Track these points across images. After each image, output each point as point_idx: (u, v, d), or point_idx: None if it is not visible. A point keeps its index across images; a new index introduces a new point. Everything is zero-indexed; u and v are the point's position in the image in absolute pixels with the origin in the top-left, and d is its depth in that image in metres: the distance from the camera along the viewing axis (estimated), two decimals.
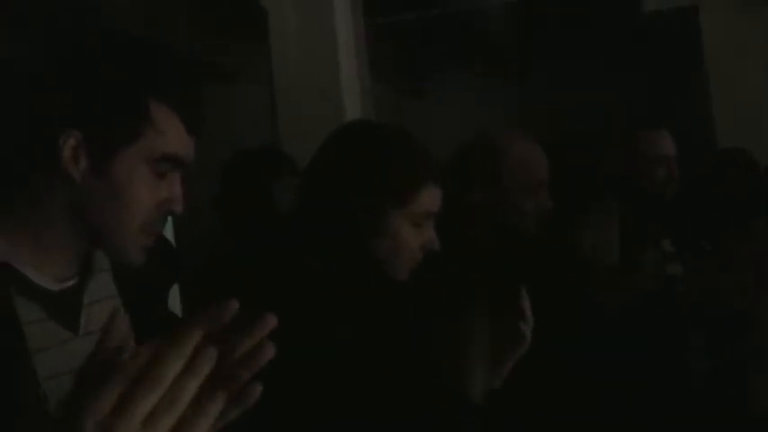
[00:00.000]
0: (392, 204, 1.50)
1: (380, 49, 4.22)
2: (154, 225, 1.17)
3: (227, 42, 4.12)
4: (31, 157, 1.12)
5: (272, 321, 0.78)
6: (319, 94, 3.45)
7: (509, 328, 1.50)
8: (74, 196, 1.11)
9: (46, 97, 1.10)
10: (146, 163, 1.12)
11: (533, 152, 2.14)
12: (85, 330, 1.17)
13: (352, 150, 1.55)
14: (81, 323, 1.17)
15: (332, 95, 3.47)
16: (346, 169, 1.51)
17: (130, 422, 0.68)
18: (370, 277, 1.51)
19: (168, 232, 2.98)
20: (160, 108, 1.12)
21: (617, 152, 2.78)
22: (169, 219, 1.25)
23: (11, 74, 1.14)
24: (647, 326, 2.07)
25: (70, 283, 1.17)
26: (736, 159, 2.72)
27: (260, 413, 1.12)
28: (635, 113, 4.63)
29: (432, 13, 4.53)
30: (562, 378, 1.77)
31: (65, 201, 1.12)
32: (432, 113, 5.71)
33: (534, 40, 5.69)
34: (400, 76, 5.89)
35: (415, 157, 1.54)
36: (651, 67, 5.43)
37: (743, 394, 2.40)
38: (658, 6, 4.06)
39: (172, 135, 1.14)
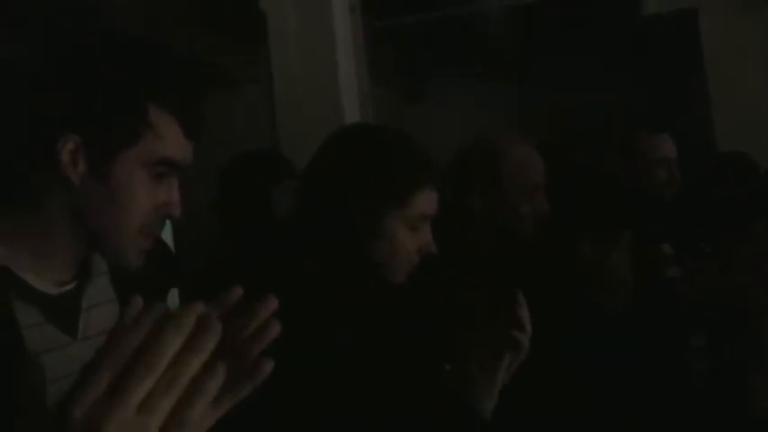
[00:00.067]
0: (389, 207, 1.50)
1: (380, 52, 4.21)
2: (152, 228, 1.17)
3: (226, 45, 4.12)
4: (29, 160, 1.12)
5: (273, 303, 0.78)
6: (318, 96, 3.45)
7: (504, 337, 1.49)
8: (72, 200, 1.11)
9: (44, 100, 1.10)
10: (144, 166, 1.12)
11: (530, 156, 2.15)
12: (84, 335, 1.17)
13: (349, 153, 1.55)
14: (79, 327, 1.17)
15: (331, 98, 3.47)
16: (344, 172, 1.51)
17: (123, 409, 0.64)
18: (369, 280, 1.51)
19: (167, 235, 2.98)
20: (159, 112, 1.12)
21: (617, 154, 2.78)
22: (168, 222, 1.25)
23: (10, 75, 1.14)
24: (647, 326, 2.07)
25: (69, 287, 1.17)
26: (736, 161, 2.72)
27: (260, 415, 1.12)
28: (635, 116, 4.63)
29: (431, 16, 4.52)
30: (562, 378, 1.77)
31: (64, 204, 1.12)
32: (431, 116, 5.71)
33: (534, 43, 5.69)
34: (400, 78, 5.89)
35: (412, 159, 1.54)
36: (651, 69, 5.43)
37: (743, 394, 2.40)
38: (658, 9, 4.05)
39: (170, 139, 1.14)
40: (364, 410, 1.35)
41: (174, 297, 2.43)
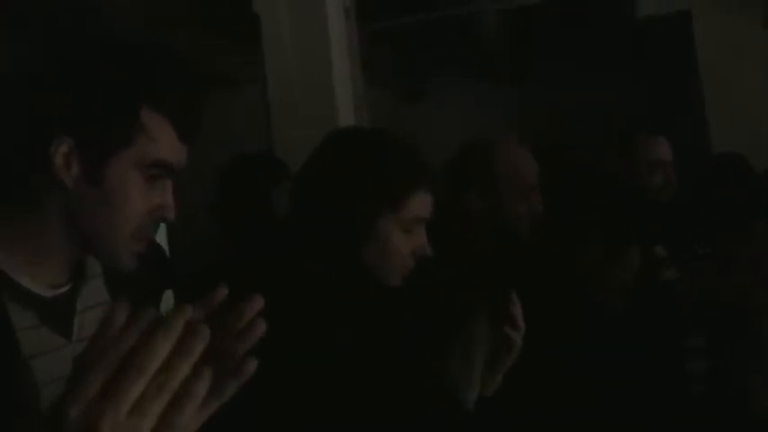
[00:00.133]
0: (383, 210, 1.49)
1: (376, 53, 4.22)
2: (145, 231, 1.17)
3: (226, 45, 4.13)
4: (24, 163, 1.11)
5: (258, 303, 0.77)
6: (313, 99, 3.45)
7: (499, 334, 1.49)
8: (66, 202, 1.11)
9: (39, 102, 1.10)
10: (137, 169, 1.12)
11: (524, 157, 2.17)
12: (79, 337, 1.17)
13: (343, 156, 1.54)
14: (74, 329, 1.17)
15: (325, 100, 3.47)
16: (338, 175, 1.51)
17: (116, 411, 0.65)
18: (367, 281, 1.50)
19: (162, 238, 2.98)
20: (152, 115, 1.12)
21: (615, 155, 2.78)
22: (163, 225, 1.24)
23: (8, 75, 1.14)
24: (647, 326, 2.07)
25: (63, 289, 1.17)
26: (735, 162, 2.73)
27: (260, 414, 1.11)
28: (632, 117, 4.65)
29: (428, 17, 4.53)
30: (562, 378, 1.77)
31: (58, 207, 1.12)
32: (430, 117, 5.72)
33: (531, 45, 5.71)
34: (398, 79, 5.91)
35: (407, 162, 1.54)
36: (647, 71, 5.45)
37: (743, 394, 2.39)
38: (652, 12, 4.07)
39: (164, 142, 1.14)
40: (364, 410, 1.35)
41: (168, 299, 2.43)
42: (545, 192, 2.12)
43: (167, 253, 2.99)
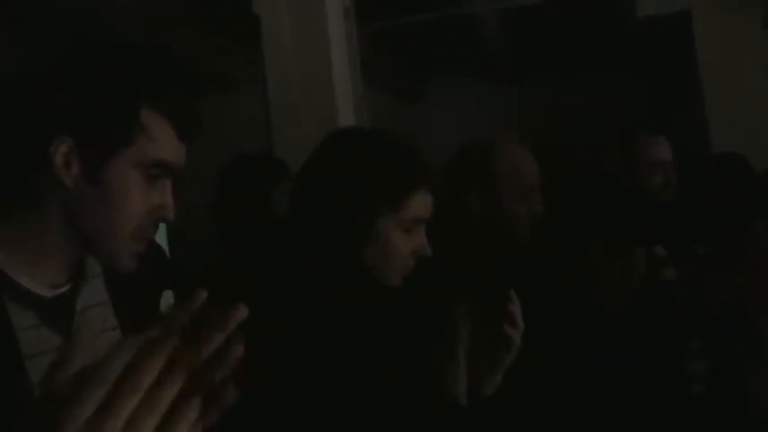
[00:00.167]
0: (383, 210, 1.49)
1: (376, 53, 4.22)
2: (145, 231, 1.17)
3: (226, 45, 4.13)
4: (25, 163, 1.11)
5: (242, 312, 0.77)
6: (313, 99, 3.45)
7: (497, 333, 1.49)
8: (67, 202, 1.11)
9: (38, 103, 1.10)
10: (137, 169, 1.12)
11: (525, 157, 2.16)
12: None
13: (343, 156, 1.54)
14: (74, 329, 1.17)
15: (326, 100, 3.47)
16: (337, 174, 1.51)
17: (112, 428, 0.68)
18: (367, 281, 1.50)
19: (162, 238, 2.98)
20: (152, 115, 1.12)
21: (616, 155, 2.77)
22: (163, 225, 1.24)
23: (8, 76, 1.14)
24: (647, 326, 2.07)
25: (63, 289, 1.17)
26: (735, 162, 2.73)
27: (260, 414, 1.11)
28: (632, 116, 4.65)
29: (428, 17, 4.53)
30: (562, 378, 1.77)
31: (58, 207, 1.12)
32: (430, 117, 5.72)
33: (531, 45, 5.70)
34: (398, 80, 5.91)
35: (407, 162, 1.53)
36: (647, 71, 5.45)
37: (743, 394, 2.39)
38: (652, 11, 4.06)
39: (163, 142, 1.14)
40: (364, 410, 1.35)
41: (168, 299, 2.43)
42: (545, 192, 2.12)
43: (167, 253, 2.99)
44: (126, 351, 0.71)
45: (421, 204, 1.52)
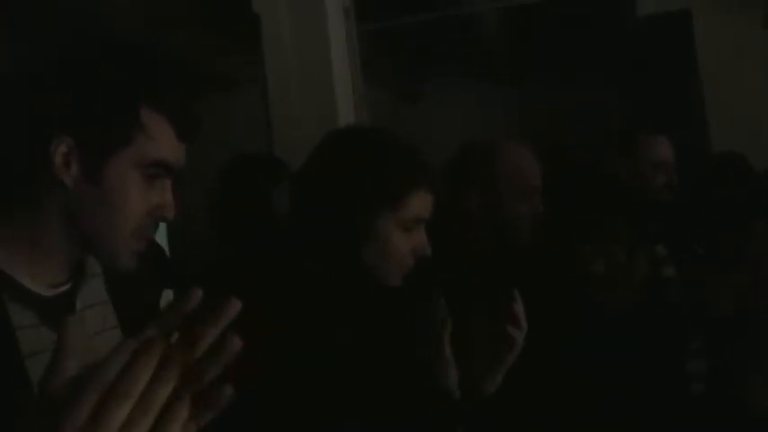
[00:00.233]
0: (383, 209, 1.49)
1: (376, 53, 4.22)
2: (145, 231, 1.17)
3: (226, 45, 4.13)
4: (23, 164, 1.11)
5: (235, 307, 0.77)
6: (313, 99, 3.45)
7: (500, 332, 1.49)
8: (66, 202, 1.11)
9: (38, 103, 1.10)
10: (136, 168, 1.12)
11: (527, 158, 2.16)
12: None
13: (343, 155, 1.54)
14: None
15: (325, 100, 3.47)
16: (338, 174, 1.51)
17: (108, 430, 0.70)
18: (367, 281, 1.50)
19: (162, 238, 2.98)
20: (152, 115, 1.12)
21: (616, 155, 2.77)
22: (163, 225, 1.24)
23: (8, 75, 1.14)
24: (647, 326, 2.07)
25: (63, 288, 1.17)
26: (735, 161, 2.72)
27: (260, 414, 1.11)
28: (631, 117, 4.64)
29: (428, 17, 4.53)
30: (562, 378, 1.77)
31: (58, 207, 1.12)
32: (430, 117, 5.72)
33: (530, 44, 5.70)
34: (398, 79, 5.90)
35: (407, 161, 1.53)
36: (646, 71, 5.44)
37: (743, 394, 2.39)
38: (651, 10, 4.06)
39: (163, 141, 1.14)
40: (363, 410, 1.35)
41: (168, 299, 2.43)
42: (545, 192, 2.12)
43: (167, 253, 2.99)
44: (123, 354, 0.72)
45: (421, 204, 1.52)
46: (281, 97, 3.49)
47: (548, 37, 5.44)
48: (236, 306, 0.77)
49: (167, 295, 2.39)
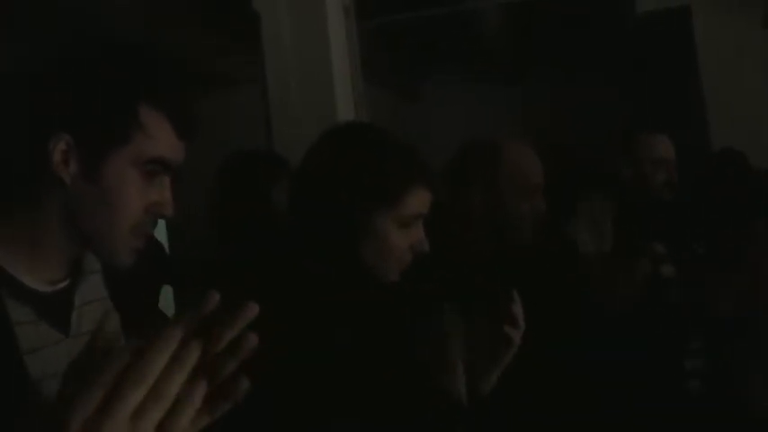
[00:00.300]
0: (381, 206, 1.49)
1: (376, 51, 4.22)
2: (144, 228, 1.17)
3: (226, 45, 4.13)
4: (23, 163, 1.12)
5: (252, 310, 0.77)
6: (313, 97, 3.45)
7: (497, 332, 1.49)
8: (66, 200, 1.12)
9: (38, 102, 1.10)
10: (134, 166, 1.12)
11: (529, 157, 2.15)
12: (77, 332, 1.18)
13: (342, 151, 1.54)
14: (72, 325, 1.18)
15: (325, 99, 3.47)
16: (336, 170, 1.50)
17: (118, 418, 0.71)
18: (367, 280, 1.50)
19: (162, 238, 2.98)
20: (150, 113, 1.13)
21: (617, 154, 2.77)
22: (163, 225, 1.24)
23: (5, 77, 1.14)
24: (647, 326, 2.07)
25: (61, 284, 1.18)
26: (735, 160, 2.72)
27: (260, 414, 1.11)
28: (631, 116, 4.64)
29: (429, 14, 4.52)
30: (562, 378, 1.77)
31: (57, 205, 1.12)
32: (430, 115, 5.71)
33: (531, 41, 5.70)
34: (398, 78, 5.89)
35: (405, 158, 1.53)
36: (645, 67, 5.44)
37: (743, 394, 2.39)
38: (651, 7, 4.06)
39: (161, 139, 1.14)
40: (363, 410, 1.35)
41: (167, 295, 2.43)
42: (546, 191, 2.11)
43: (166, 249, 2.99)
44: (126, 350, 0.73)
45: (419, 200, 1.52)
46: (281, 97, 3.49)
47: (548, 35, 5.43)
48: (253, 309, 0.78)
49: (166, 292, 2.39)
